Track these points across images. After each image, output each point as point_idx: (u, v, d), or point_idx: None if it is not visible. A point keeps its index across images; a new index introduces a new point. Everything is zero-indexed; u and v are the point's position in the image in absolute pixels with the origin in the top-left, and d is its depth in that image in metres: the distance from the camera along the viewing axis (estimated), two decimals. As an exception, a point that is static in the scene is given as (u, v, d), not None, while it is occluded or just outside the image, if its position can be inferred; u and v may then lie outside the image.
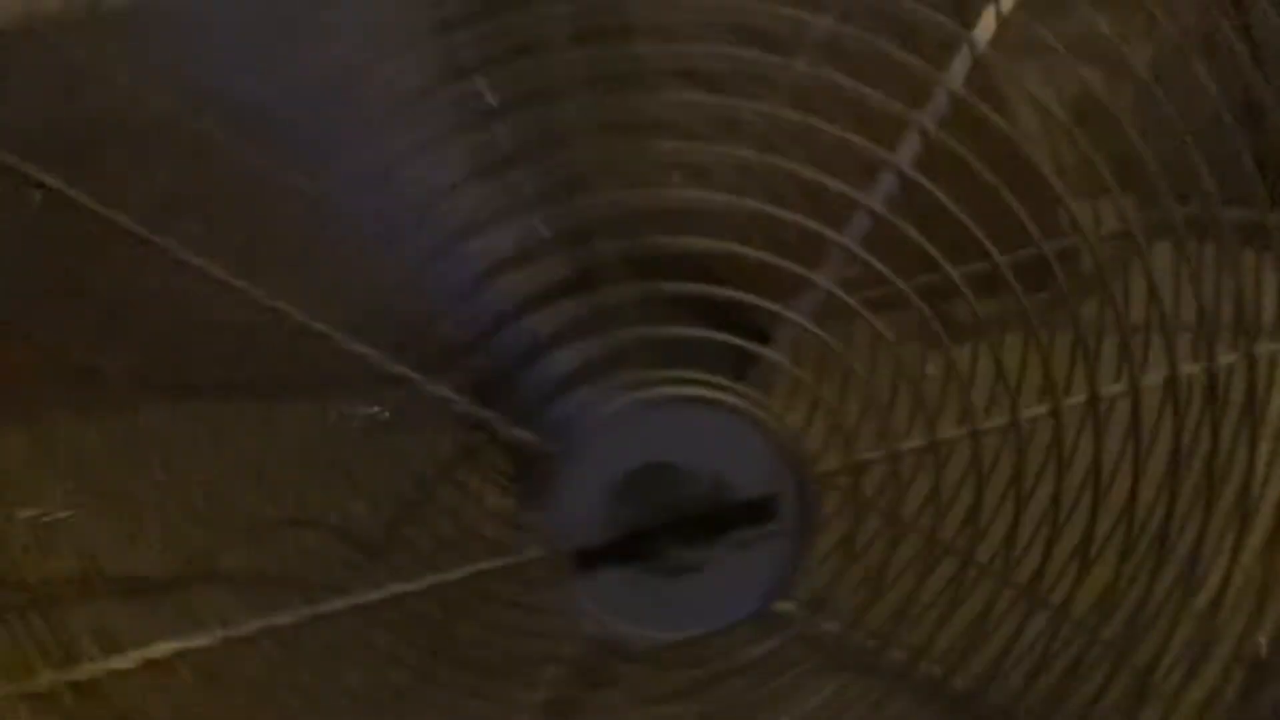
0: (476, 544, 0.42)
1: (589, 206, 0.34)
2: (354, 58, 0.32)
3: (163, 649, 0.33)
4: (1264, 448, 0.37)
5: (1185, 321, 0.38)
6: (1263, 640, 0.39)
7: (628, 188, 0.33)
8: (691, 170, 0.34)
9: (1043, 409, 0.35)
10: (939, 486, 0.35)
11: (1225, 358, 0.37)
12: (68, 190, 0.32)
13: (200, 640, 0.33)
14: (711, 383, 0.32)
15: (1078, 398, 0.36)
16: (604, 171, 0.34)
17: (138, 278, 0.36)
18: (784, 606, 0.33)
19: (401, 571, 0.35)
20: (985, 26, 0.34)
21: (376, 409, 0.40)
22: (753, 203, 0.33)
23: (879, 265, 0.32)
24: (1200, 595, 0.39)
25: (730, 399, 0.33)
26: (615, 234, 0.33)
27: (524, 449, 0.32)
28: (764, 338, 0.34)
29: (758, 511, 0.33)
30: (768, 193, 0.34)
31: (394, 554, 0.41)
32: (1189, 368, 0.37)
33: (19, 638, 0.34)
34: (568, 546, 0.33)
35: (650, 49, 0.33)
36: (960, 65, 0.34)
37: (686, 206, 0.33)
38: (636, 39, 0.33)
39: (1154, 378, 0.36)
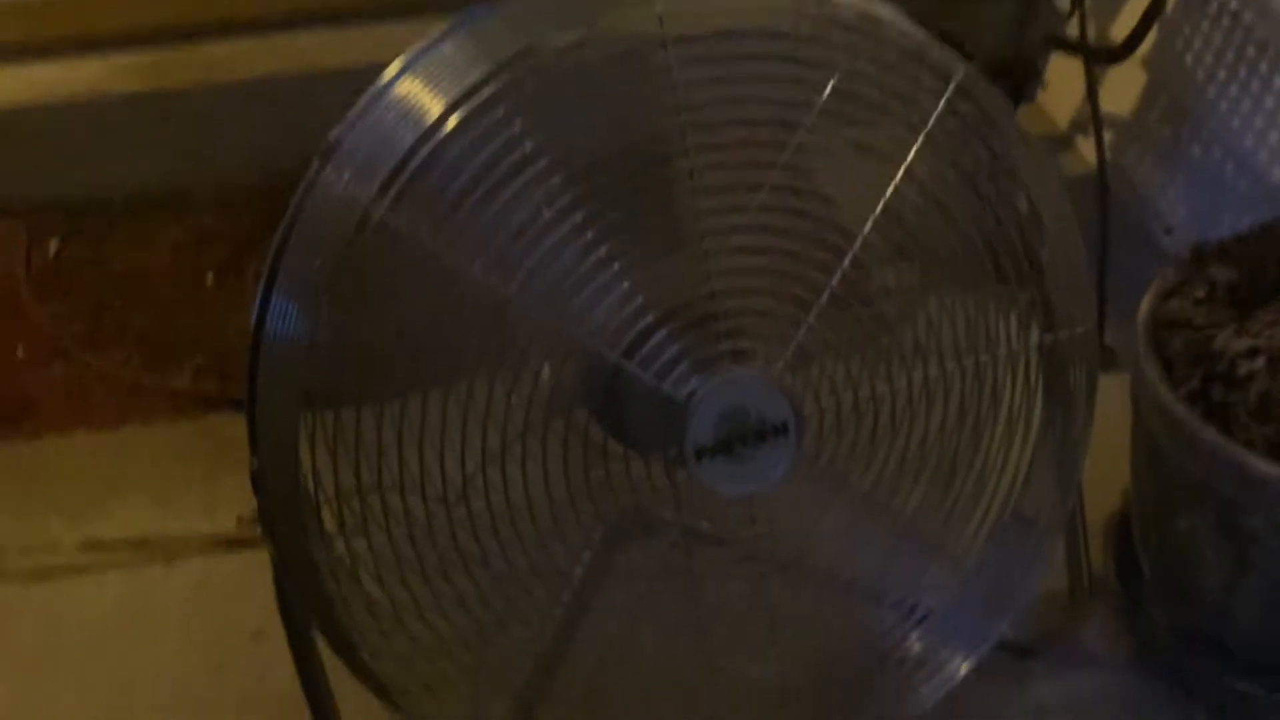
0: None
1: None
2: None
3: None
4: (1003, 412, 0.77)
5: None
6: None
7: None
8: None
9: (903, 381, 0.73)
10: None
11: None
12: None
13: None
14: (760, 368, 0.69)
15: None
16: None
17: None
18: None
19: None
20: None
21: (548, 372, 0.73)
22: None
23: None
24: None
25: (768, 376, 0.69)
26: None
27: (667, 399, 0.68)
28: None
29: (779, 429, 0.70)
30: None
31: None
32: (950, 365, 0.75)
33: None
34: (694, 447, 0.68)
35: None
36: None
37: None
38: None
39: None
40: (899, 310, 0.75)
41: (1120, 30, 1.27)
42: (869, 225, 0.71)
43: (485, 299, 0.67)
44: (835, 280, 0.70)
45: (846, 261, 0.70)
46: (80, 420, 1.16)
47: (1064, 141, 1.46)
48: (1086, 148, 1.42)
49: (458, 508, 0.70)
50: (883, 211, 0.71)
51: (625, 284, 0.69)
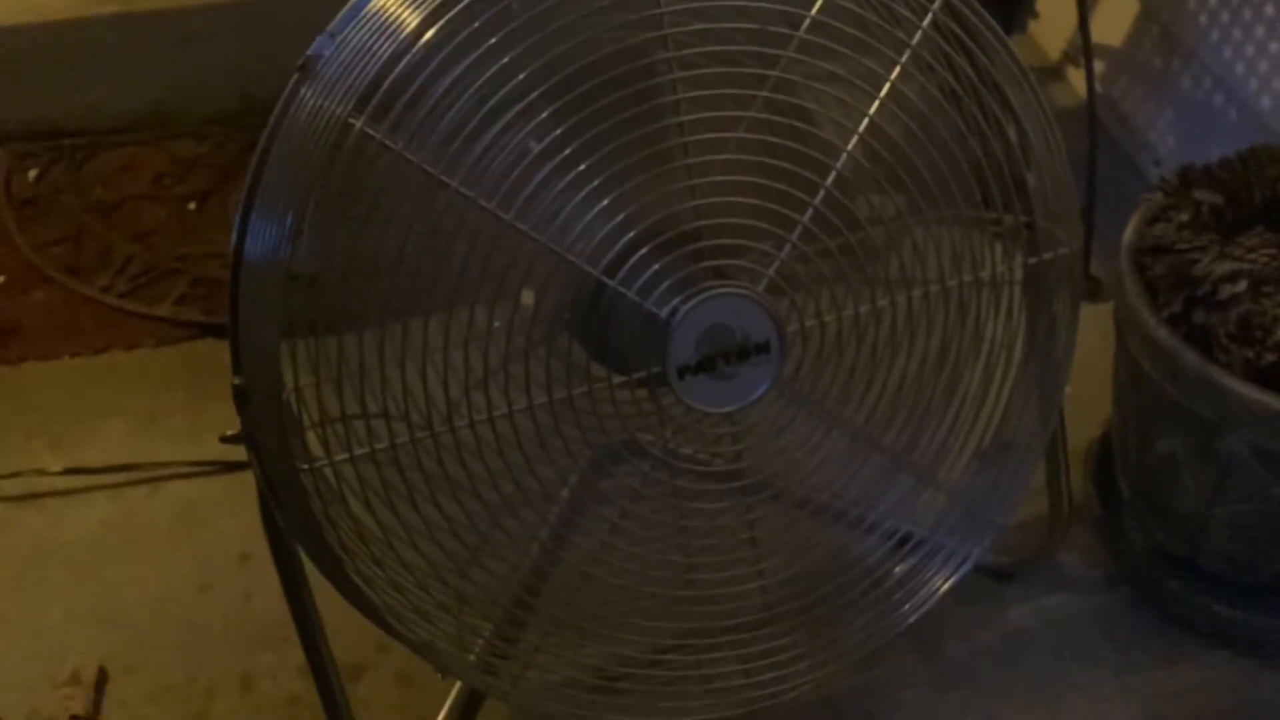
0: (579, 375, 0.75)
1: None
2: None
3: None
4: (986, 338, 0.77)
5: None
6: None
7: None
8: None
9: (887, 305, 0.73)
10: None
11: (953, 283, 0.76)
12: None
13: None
14: (743, 285, 0.69)
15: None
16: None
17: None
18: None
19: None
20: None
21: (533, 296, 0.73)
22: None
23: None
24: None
25: (750, 293, 0.69)
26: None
27: (650, 316, 0.68)
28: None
29: (761, 348, 0.70)
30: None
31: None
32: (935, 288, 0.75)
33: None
34: (676, 365, 0.68)
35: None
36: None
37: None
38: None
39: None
40: (884, 235, 0.75)
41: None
42: (853, 141, 0.70)
43: (468, 214, 0.67)
44: (818, 199, 0.70)
45: (830, 180, 0.70)
46: (63, 346, 1.16)
47: (1054, 72, 1.46)
48: (1077, 78, 1.42)
49: (443, 433, 0.70)
50: (867, 130, 0.71)
51: (606, 201, 0.68)
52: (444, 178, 0.65)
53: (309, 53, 0.69)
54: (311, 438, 0.69)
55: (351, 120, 0.64)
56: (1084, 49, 1.21)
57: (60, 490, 1.04)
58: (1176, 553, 0.91)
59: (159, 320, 1.18)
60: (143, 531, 1.02)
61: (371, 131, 0.64)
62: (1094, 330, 0.86)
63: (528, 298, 0.71)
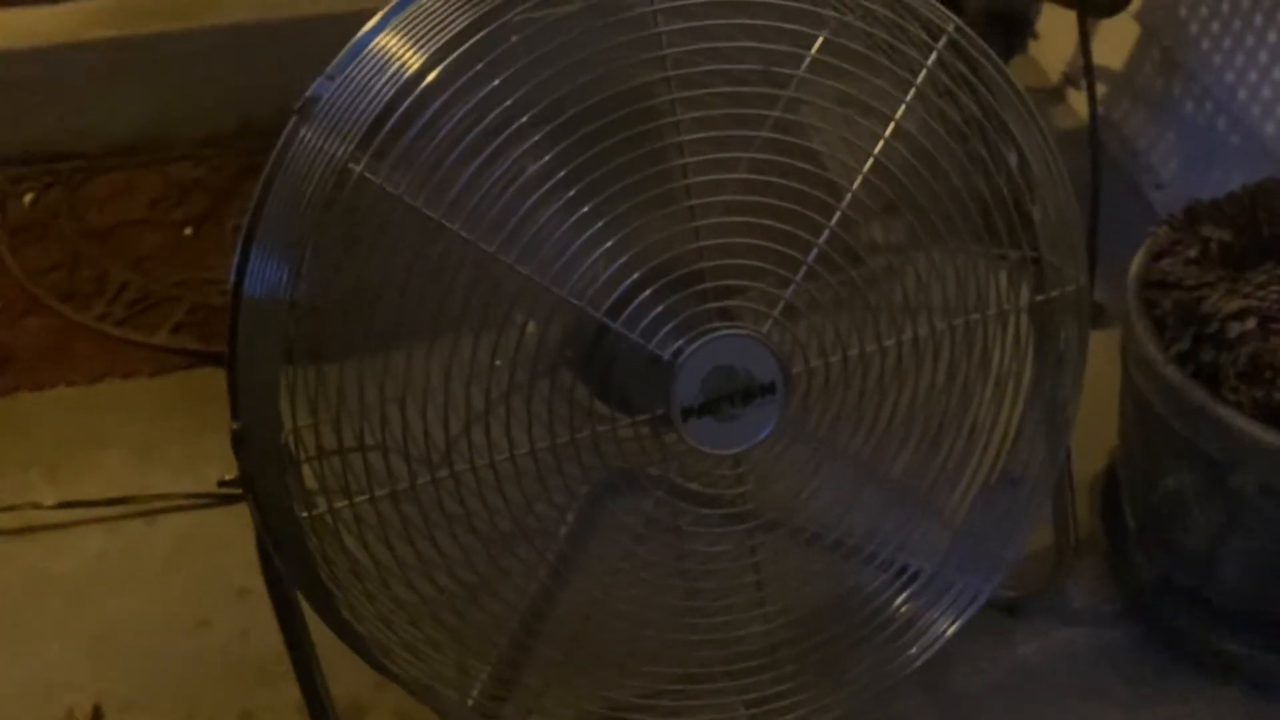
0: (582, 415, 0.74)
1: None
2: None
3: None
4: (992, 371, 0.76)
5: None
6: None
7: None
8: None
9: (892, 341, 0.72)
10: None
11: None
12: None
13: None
14: (747, 327, 0.68)
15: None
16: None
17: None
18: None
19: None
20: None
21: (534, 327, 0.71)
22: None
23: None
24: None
25: (755, 334, 0.68)
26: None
27: (654, 358, 0.67)
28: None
29: (767, 389, 0.69)
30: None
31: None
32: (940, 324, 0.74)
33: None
34: (680, 407, 0.67)
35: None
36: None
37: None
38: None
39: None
40: (888, 269, 0.74)
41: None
42: (857, 182, 0.69)
43: (468, 257, 0.66)
44: (824, 239, 0.69)
45: (835, 220, 0.69)
46: (58, 375, 1.14)
47: (1055, 94, 1.45)
48: (1078, 100, 1.41)
49: (441, 470, 0.69)
50: (871, 168, 0.70)
51: (610, 242, 0.68)
52: (445, 221, 0.65)
53: (308, 94, 0.68)
54: (309, 475, 0.69)
55: (351, 165, 0.64)
56: (1085, 71, 1.21)
57: (56, 523, 1.03)
58: (1185, 587, 0.90)
59: (156, 349, 1.17)
60: (140, 565, 1.00)
61: (371, 176, 0.63)
62: (1097, 356, 0.84)
63: (531, 327, 0.70)
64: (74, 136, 1.33)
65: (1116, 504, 0.95)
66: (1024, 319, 0.78)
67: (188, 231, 1.28)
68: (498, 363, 0.69)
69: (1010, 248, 0.76)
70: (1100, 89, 1.37)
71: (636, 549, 0.75)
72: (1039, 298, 0.78)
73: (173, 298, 1.21)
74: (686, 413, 0.68)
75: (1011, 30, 1.25)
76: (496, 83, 0.64)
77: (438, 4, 0.68)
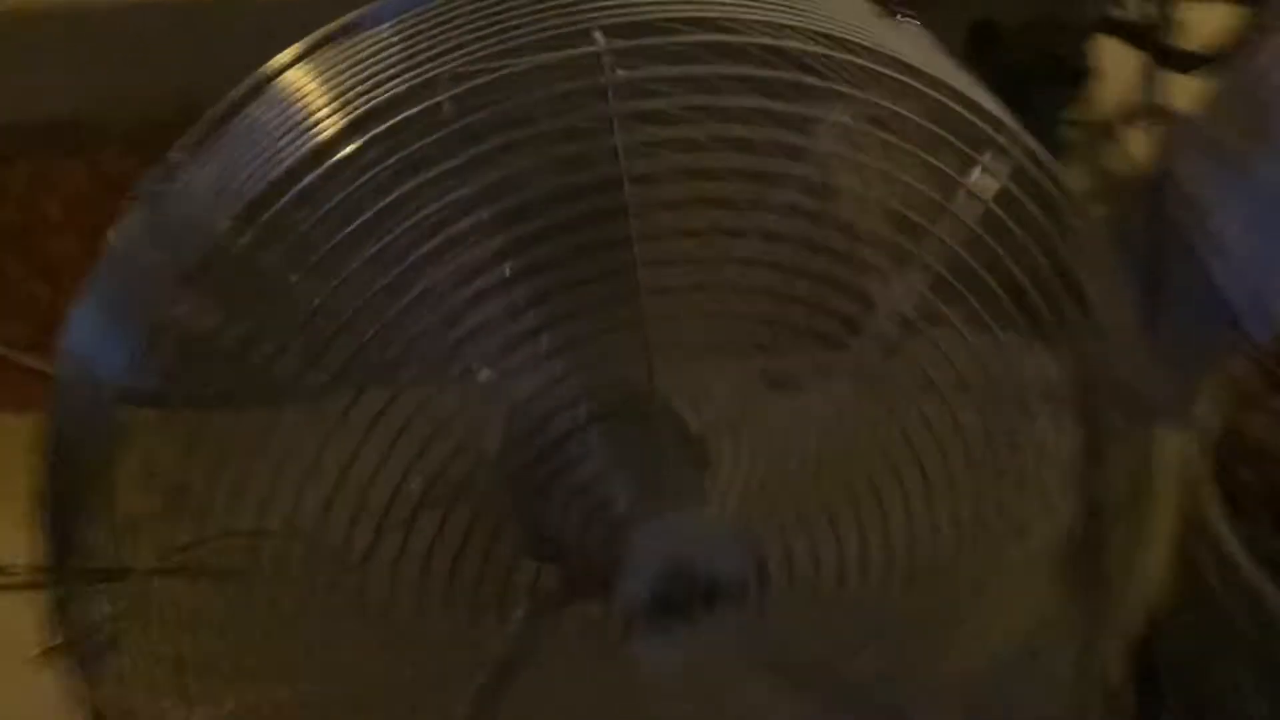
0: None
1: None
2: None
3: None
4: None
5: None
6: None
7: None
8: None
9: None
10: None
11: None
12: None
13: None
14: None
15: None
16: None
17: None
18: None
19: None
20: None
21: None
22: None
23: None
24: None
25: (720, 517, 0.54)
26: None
27: (596, 556, 0.52)
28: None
29: (736, 588, 0.54)
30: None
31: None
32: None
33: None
34: (623, 604, 0.53)
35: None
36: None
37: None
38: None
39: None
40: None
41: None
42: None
43: (370, 359, 0.53)
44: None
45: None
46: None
47: (1109, 132, 1.29)
48: (1135, 141, 1.26)
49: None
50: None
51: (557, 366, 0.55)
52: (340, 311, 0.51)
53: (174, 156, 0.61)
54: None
55: (228, 238, 0.52)
56: (1148, 113, 1.06)
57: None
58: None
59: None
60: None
61: (251, 252, 0.52)
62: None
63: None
64: (-4, 115, 1.18)
65: (1152, 670, 0.80)
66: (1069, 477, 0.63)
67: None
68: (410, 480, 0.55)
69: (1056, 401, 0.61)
70: (1157, 130, 1.22)
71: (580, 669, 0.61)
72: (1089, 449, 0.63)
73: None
74: (630, 616, 0.53)
75: (1072, 70, 1.09)
76: (425, 154, 0.51)
77: (365, 51, 0.56)
